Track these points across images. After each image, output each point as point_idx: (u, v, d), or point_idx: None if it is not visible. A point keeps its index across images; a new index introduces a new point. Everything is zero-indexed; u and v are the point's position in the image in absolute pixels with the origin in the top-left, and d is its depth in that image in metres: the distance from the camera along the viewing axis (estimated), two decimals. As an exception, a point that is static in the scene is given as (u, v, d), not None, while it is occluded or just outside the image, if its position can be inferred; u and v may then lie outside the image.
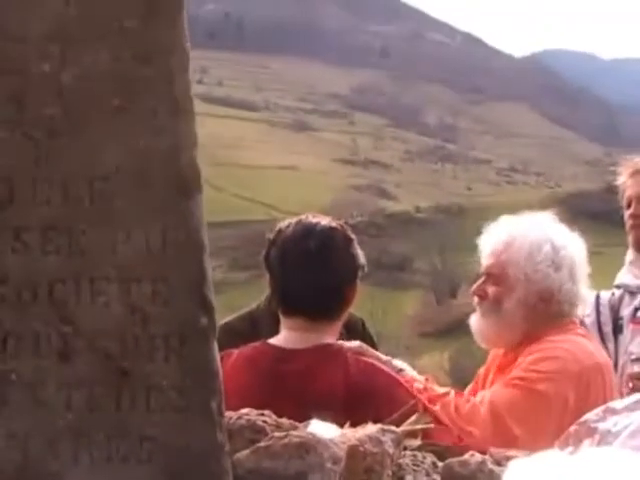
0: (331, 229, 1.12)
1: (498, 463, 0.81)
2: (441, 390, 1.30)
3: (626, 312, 1.73)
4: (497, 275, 1.36)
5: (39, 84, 0.73)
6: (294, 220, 1.14)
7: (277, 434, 0.76)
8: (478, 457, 0.80)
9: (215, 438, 0.72)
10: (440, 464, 0.82)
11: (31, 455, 0.70)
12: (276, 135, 47.99)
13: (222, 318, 1.46)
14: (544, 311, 1.35)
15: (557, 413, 1.22)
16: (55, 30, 0.73)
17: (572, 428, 0.83)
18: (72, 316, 0.71)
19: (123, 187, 0.73)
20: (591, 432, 0.82)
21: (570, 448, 0.80)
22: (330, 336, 1.13)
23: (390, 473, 0.78)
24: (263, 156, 42.19)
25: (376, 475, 0.76)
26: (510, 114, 63.97)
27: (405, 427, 0.87)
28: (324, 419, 0.82)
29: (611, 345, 1.71)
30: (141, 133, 0.74)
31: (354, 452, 0.75)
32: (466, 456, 0.81)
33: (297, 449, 0.73)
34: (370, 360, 1.16)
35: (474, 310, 1.42)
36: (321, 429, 0.79)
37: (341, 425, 0.83)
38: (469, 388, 1.46)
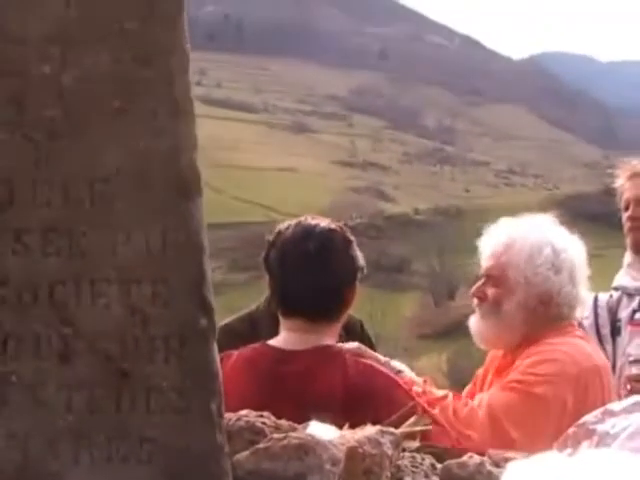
0: (330, 231, 1.12)
1: (496, 465, 0.81)
2: (439, 393, 1.30)
3: (624, 314, 1.74)
4: (497, 277, 1.37)
5: (39, 86, 0.73)
6: (293, 222, 1.14)
7: (276, 435, 0.76)
8: (477, 459, 0.81)
9: (215, 439, 0.72)
10: (439, 466, 0.82)
11: (31, 455, 0.70)
12: (275, 137, 48.04)
13: (221, 319, 1.46)
14: (543, 314, 1.35)
15: (555, 416, 1.22)
16: (55, 32, 0.73)
17: (570, 430, 0.84)
18: (72, 318, 0.71)
19: (123, 189, 0.73)
20: (589, 434, 0.82)
21: (568, 450, 0.80)
22: (329, 337, 1.13)
23: (389, 475, 0.78)
24: (262, 158, 42.22)
25: (375, 476, 0.76)
26: (508, 116, 64.15)
27: (404, 429, 0.87)
28: (323, 420, 0.82)
29: (609, 347, 1.72)
30: (141, 135, 0.74)
31: (353, 453, 0.76)
32: (465, 458, 0.81)
33: (296, 450, 0.73)
34: (369, 362, 1.16)
35: (473, 312, 1.42)
36: (320, 430, 0.79)
37: (340, 426, 0.83)
38: (467, 389, 1.46)
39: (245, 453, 0.76)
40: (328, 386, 1.06)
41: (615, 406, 0.85)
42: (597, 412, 0.84)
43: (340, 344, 1.16)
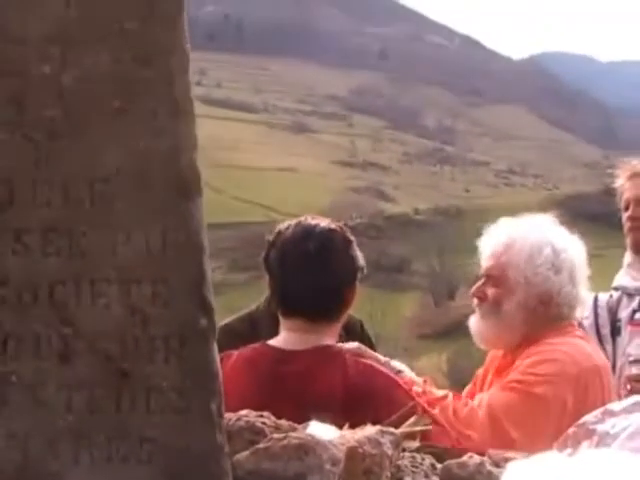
0: (330, 231, 1.12)
1: (497, 465, 0.81)
2: (439, 393, 1.30)
3: (624, 314, 1.74)
4: (497, 277, 1.37)
5: (39, 86, 0.73)
6: (293, 222, 1.14)
7: (276, 435, 0.76)
8: (477, 459, 0.81)
9: (215, 439, 0.72)
10: (439, 466, 0.82)
11: (31, 455, 0.70)
12: (275, 137, 48.05)
13: (221, 319, 1.46)
14: (543, 314, 1.35)
15: (555, 416, 1.22)
16: (55, 32, 0.73)
17: (570, 430, 0.84)
18: (72, 318, 0.71)
19: (123, 189, 0.73)
20: (589, 434, 0.82)
21: (569, 450, 0.80)
22: (329, 337, 1.13)
23: (389, 475, 0.78)
24: (262, 158, 42.23)
25: (375, 476, 0.76)
26: (508, 116, 64.15)
27: (404, 429, 0.87)
28: (323, 420, 0.82)
29: (609, 347, 1.72)
30: (141, 135, 0.74)
31: (353, 453, 0.76)
32: (465, 458, 0.81)
33: (296, 450, 0.73)
34: (369, 362, 1.16)
35: (473, 312, 1.42)
36: (320, 430, 0.79)
37: (340, 426, 0.83)
38: (467, 389, 1.46)
39: (245, 453, 0.76)
40: (328, 386, 1.06)
41: (615, 406, 0.85)
42: (597, 412, 0.84)
43: (340, 344, 1.16)
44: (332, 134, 51.71)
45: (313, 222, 1.13)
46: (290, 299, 1.12)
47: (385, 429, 0.80)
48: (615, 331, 1.73)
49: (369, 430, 0.80)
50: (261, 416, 0.82)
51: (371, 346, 1.48)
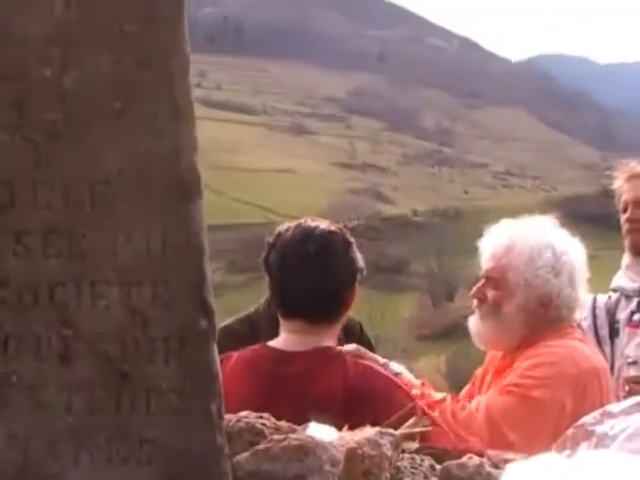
0: (330, 233, 1.13)
1: (496, 466, 0.81)
2: (437, 396, 1.30)
3: (622, 315, 1.74)
4: (497, 279, 1.37)
5: (40, 88, 0.73)
6: (293, 224, 1.15)
7: (276, 437, 0.76)
8: (476, 460, 0.81)
9: (215, 440, 0.72)
10: (438, 467, 0.82)
11: (31, 456, 0.70)
12: (274, 139, 48.09)
13: (221, 321, 1.46)
14: (543, 316, 1.35)
15: (553, 419, 1.23)
16: (56, 34, 0.73)
17: (569, 431, 0.84)
18: (73, 319, 0.71)
19: (124, 190, 0.73)
20: (588, 435, 0.82)
21: (567, 451, 0.80)
22: (329, 339, 1.14)
23: (388, 476, 0.78)
24: (261, 159, 42.26)
25: (374, 478, 0.76)
26: (507, 118, 64.30)
27: (403, 430, 0.87)
28: (323, 421, 0.82)
29: (607, 348, 1.72)
30: (141, 137, 0.74)
31: (352, 455, 0.76)
32: (464, 459, 0.81)
33: (296, 452, 0.73)
34: (368, 363, 1.17)
35: (472, 313, 1.43)
36: (320, 432, 0.79)
37: (340, 428, 0.83)
38: (466, 389, 1.46)
39: (245, 454, 0.76)
40: (328, 387, 1.06)
41: (614, 407, 0.86)
42: (596, 413, 0.85)
43: (339, 347, 1.17)
44: (331, 136, 51.78)
45: (313, 224, 1.13)
46: (290, 301, 1.12)
47: (384, 430, 0.81)
48: (613, 332, 1.74)
49: (368, 431, 0.80)
50: (261, 417, 0.82)
51: (370, 348, 1.48)
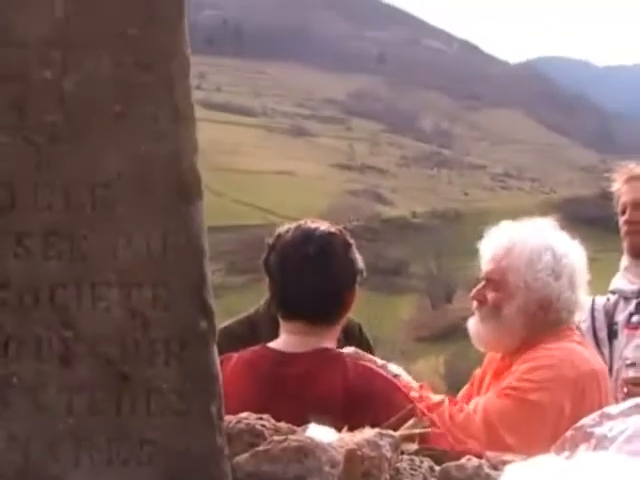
0: (330, 234, 1.13)
1: (495, 467, 0.81)
2: (435, 399, 1.30)
3: (621, 317, 1.75)
4: (497, 281, 1.37)
5: (41, 91, 0.73)
6: (293, 225, 1.15)
7: (276, 438, 0.76)
8: (475, 461, 0.81)
9: (215, 442, 0.73)
10: (437, 468, 0.82)
11: (32, 458, 0.70)
12: (274, 140, 48.14)
13: (220, 322, 1.46)
14: (542, 319, 1.35)
15: (551, 422, 1.23)
16: (56, 36, 0.74)
17: (568, 433, 0.84)
18: (73, 321, 0.71)
19: (124, 193, 0.73)
20: (587, 437, 0.82)
21: (566, 453, 0.81)
22: (329, 340, 1.14)
23: (388, 477, 0.78)
24: (261, 161, 42.29)
25: (374, 479, 0.76)
26: (506, 120, 64.41)
27: (403, 431, 0.87)
28: (323, 422, 0.82)
29: (606, 350, 1.72)
30: (142, 139, 0.74)
31: (352, 456, 0.76)
32: (463, 460, 0.81)
33: (296, 453, 0.74)
34: (368, 364, 1.17)
35: (471, 314, 1.43)
36: (319, 433, 0.79)
37: (339, 429, 0.84)
38: (464, 390, 1.46)
39: (245, 455, 0.76)
40: (328, 388, 1.06)
41: (613, 409, 0.86)
42: (595, 415, 0.85)
43: (339, 349, 1.17)
44: (330, 138, 51.84)
45: (313, 226, 1.13)
46: (290, 302, 1.12)
47: (384, 432, 0.81)
48: (612, 334, 1.74)
49: (368, 433, 0.80)
50: (261, 419, 0.82)
51: (369, 349, 1.48)
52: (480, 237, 1.44)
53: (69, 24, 0.74)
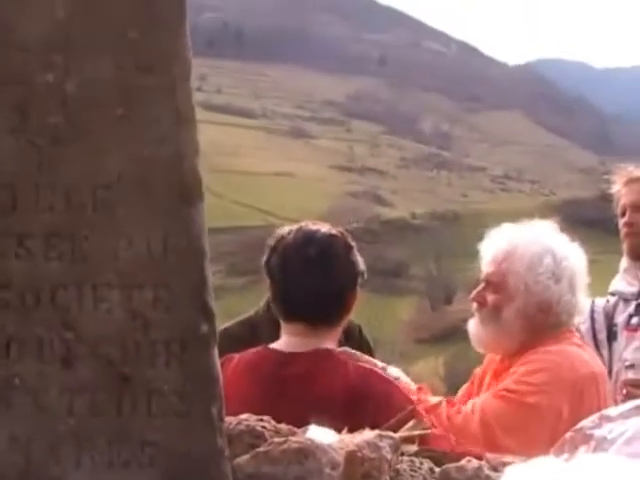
0: (331, 236, 1.13)
1: (495, 469, 0.82)
2: (433, 400, 1.30)
3: (620, 319, 1.75)
4: (497, 283, 1.37)
5: (43, 93, 0.73)
6: (294, 227, 1.15)
7: (276, 439, 0.76)
8: (475, 463, 0.81)
9: (215, 443, 0.73)
10: (437, 470, 0.82)
11: (33, 459, 0.70)
12: (274, 142, 48.19)
13: (221, 324, 1.47)
14: (542, 321, 1.36)
15: (549, 424, 1.23)
16: (58, 39, 0.74)
17: (568, 435, 0.84)
18: (74, 322, 0.72)
19: (125, 194, 0.74)
20: (587, 439, 0.82)
21: (566, 455, 0.81)
22: (330, 342, 1.14)
23: (388, 478, 0.79)
24: (261, 163, 42.33)
25: (374, 480, 0.76)
26: (505, 122, 64.51)
27: (403, 433, 0.88)
28: (324, 423, 0.82)
29: (605, 352, 1.72)
30: (143, 141, 0.74)
31: (352, 457, 0.76)
32: (463, 462, 0.82)
33: (296, 454, 0.74)
34: (369, 365, 1.17)
35: (471, 315, 1.43)
36: (319, 434, 0.80)
37: (340, 429, 0.84)
38: (464, 387, 1.46)
39: (245, 457, 0.76)
40: (329, 388, 1.06)
41: (612, 411, 0.86)
42: (594, 417, 0.85)
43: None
44: (330, 139, 51.90)
45: (314, 228, 1.14)
46: (291, 304, 1.13)
47: (384, 433, 0.81)
48: (611, 336, 1.74)
49: (368, 434, 0.80)
50: (261, 420, 0.82)
51: (370, 351, 1.48)
52: (480, 239, 1.44)
53: (71, 27, 0.74)
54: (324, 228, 1.14)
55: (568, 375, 1.30)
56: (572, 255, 1.39)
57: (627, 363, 1.70)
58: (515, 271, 1.36)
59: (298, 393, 1.05)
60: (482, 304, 1.40)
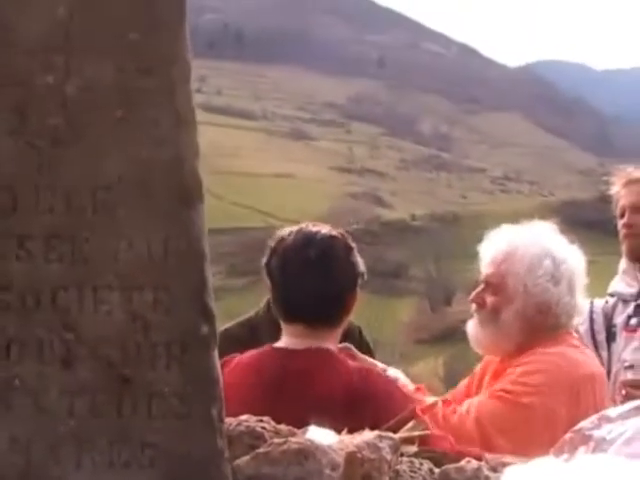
0: (331, 238, 1.13)
1: (494, 470, 0.82)
2: (429, 400, 1.30)
3: (619, 320, 1.75)
4: (496, 284, 1.37)
5: (43, 95, 0.73)
6: (295, 229, 1.15)
7: (276, 440, 0.76)
8: (474, 464, 0.81)
9: (215, 444, 0.73)
10: (437, 470, 0.82)
11: (33, 460, 0.70)
12: (274, 144, 48.22)
13: (221, 325, 1.47)
14: (541, 323, 1.36)
15: (545, 426, 1.22)
16: (59, 41, 0.74)
17: (567, 435, 0.84)
18: (74, 323, 0.72)
19: (125, 196, 0.74)
20: (586, 439, 0.82)
21: (565, 455, 0.81)
22: (330, 343, 1.14)
23: (387, 479, 0.78)
24: (261, 164, 42.37)
25: (374, 481, 0.76)
26: (504, 123, 64.59)
27: (402, 434, 0.88)
28: (324, 422, 0.82)
29: (604, 353, 1.72)
30: (143, 143, 0.74)
31: (352, 458, 0.76)
32: (462, 462, 0.82)
33: (296, 455, 0.74)
34: (369, 366, 1.18)
35: (470, 316, 1.43)
36: (319, 435, 0.80)
37: (340, 429, 0.84)
38: (463, 383, 1.46)
39: (245, 458, 0.76)
40: (328, 388, 1.06)
41: (611, 412, 0.86)
42: (593, 418, 0.85)
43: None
44: (330, 141, 51.95)
45: (314, 229, 1.14)
46: (291, 305, 1.13)
47: (384, 434, 0.81)
48: (610, 337, 1.74)
49: (368, 435, 0.80)
50: (261, 421, 0.82)
51: (369, 352, 1.48)
52: (479, 240, 1.44)
53: (71, 28, 0.74)
54: (324, 229, 1.14)
55: (566, 377, 1.30)
56: (571, 257, 1.39)
57: (626, 364, 1.70)
58: (514, 273, 1.36)
59: (298, 392, 1.05)
60: (481, 305, 1.40)
